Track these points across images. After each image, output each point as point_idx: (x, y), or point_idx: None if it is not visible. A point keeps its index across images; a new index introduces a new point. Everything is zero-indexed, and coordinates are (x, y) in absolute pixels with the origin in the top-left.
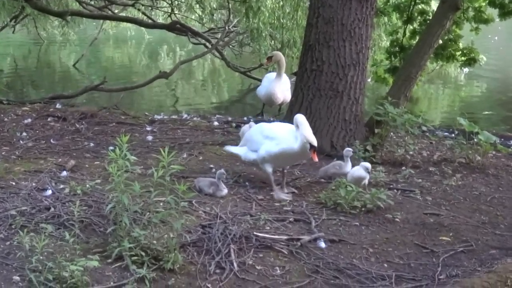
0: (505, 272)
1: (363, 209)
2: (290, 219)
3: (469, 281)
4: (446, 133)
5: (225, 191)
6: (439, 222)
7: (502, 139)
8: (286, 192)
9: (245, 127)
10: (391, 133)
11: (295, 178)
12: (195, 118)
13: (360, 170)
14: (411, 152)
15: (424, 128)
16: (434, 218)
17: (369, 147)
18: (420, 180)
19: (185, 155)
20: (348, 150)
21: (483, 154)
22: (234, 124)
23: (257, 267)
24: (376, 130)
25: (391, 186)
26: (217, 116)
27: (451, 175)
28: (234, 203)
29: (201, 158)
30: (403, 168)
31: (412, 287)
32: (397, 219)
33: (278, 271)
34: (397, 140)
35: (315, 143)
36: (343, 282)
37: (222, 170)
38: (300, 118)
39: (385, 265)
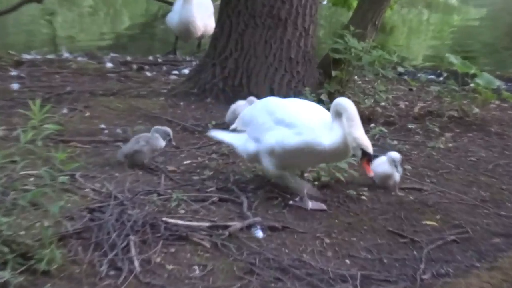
0: None
1: (316, 183)
2: (214, 199)
3: (464, 282)
4: (431, 76)
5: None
6: (421, 201)
7: (509, 84)
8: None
9: (239, 104)
10: (355, 77)
11: None
12: (80, 58)
13: (384, 165)
14: (383, 103)
15: (401, 70)
16: (414, 195)
17: (324, 97)
18: (395, 142)
19: (65, 110)
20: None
21: (482, 104)
22: (135, 67)
23: (167, 266)
24: (333, 73)
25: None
26: (112, 55)
27: (438, 134)
28: (135, 177)
29: (88, 114)
30: (372, 125)
31: None
32: (363, 197)
33: (197, 272)
34: (364, 87)
35: (370, 149)
36: (288, 285)
37: (166, 128)
38: (347, 104)
39: (347, 261)
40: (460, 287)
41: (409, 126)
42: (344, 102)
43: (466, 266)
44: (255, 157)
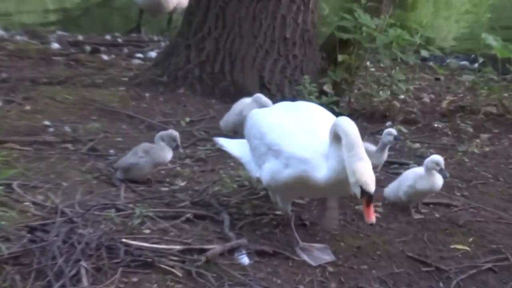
0: None
1: (315, 202)
2: (188, 216)
3: None
4: (463, 62)
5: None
6: (450, 219)
7: None
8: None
9: (245, 102)
10: (367, 63)
11: None
12: (18, 37)
13: (423, 180)
14: (402, 96)
15: (425, 54)
16: (441, 212)
17: (327, 87)
18: (417, 145)
19: (0, 103)
20: (389, 133)
21: None
22: (88, 48)
23: None
24: (339, 57)
25: None
26: (59, 33)
27: (472, 136)
28: (88, 188)
29: (28, 107)
30: (388, 123)
31: None
32: (376, 214)
33: None
34: (378, 75)
35: (371, 188)
36: None
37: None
38: (347, 127)
39: None
40: None
41: (435, 125)
42: (343, 124)
43: None
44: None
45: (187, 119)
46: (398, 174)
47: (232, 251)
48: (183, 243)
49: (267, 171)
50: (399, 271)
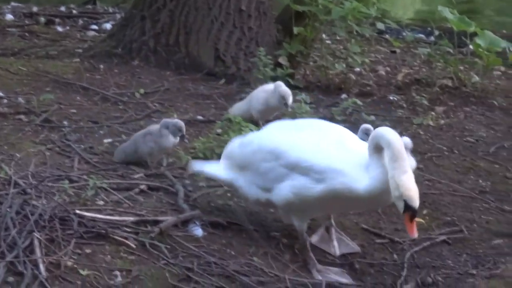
0: None
1: None
2: (142, 187)
3: None
4: (419, 35)
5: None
6: None
7: None
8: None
9: (266, 89)
10: (323, 35)
11: None
12: None
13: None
14: (357, 69)
15: (381, 26)
16: None
17: (282, 60)
18: (372, 117)
19: None
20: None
21: (483, 71)
22: (43, 19)
23: (81, 271)
24: (295, 30)
25: None
26: (13, 4)
27: (427, 108)
28: (41, 159)
29: None
30: (344, 96)
31: None
32: None
33: (119, 279)
34: (334, 48)
35: (416, 203)
36: None
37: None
38: (391, 137)
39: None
40: None
41: (391, 98)
42: (387, 134)
43: (459, 273)
44: (267, 207)
45: (142, 91)
46: None
47: (186, 222)
48: (137, 214)
49: (288, 189)
50: (354, 242)
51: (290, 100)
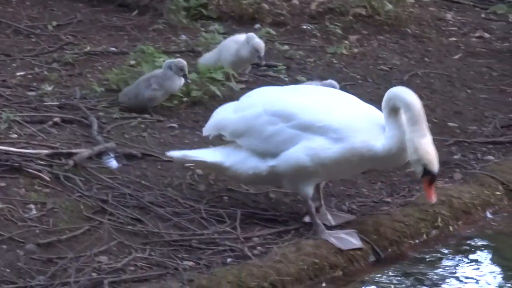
0: None
1: (184, 99)
2: (55, 120)
3: (371, 222)
4: None
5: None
6: None
7: None
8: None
9: (237, 39)
10: None
11: None
12: None
13: None
14: None
15: None
16: None
17: None
18: (286, 47)
19: None
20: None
21: (397, 0)
22: None
23: None
24: None
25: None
26: None
27: (341, 37)
28: None
29: None
30: (257, 26)
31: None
32: None
33: (34, 212)
34: None
35: (435, 167)
36: (150, 227)
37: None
38: (410, 98)
39: (225, 197)
40: (367, 228)
41: (304, 27)
42: (407, 96)
43: (374, 201)
44: (266, 178)
45: (54, 23)
46: (267, 76)
47: (100, 155)
48: (51, 147)
49: (302, 151)
50: None
51: (263, 53)
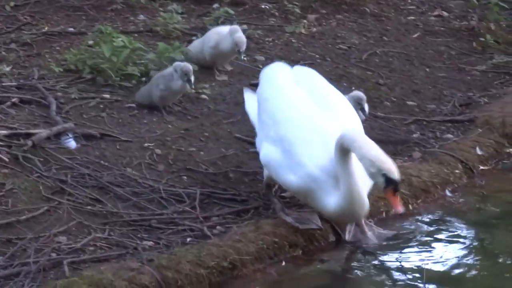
0: None
1: (143, 79)
2: (14, 100)
3: None
4: None
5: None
6: None
7: None
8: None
9: (220, 31)
10: None
11: None
12: None
13: None
14: None
15: None
16: None
17: None
18: (245, 27)
19: None
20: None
21: None
22: None
23: None
24: None
25: (193, 38)
26: None
27: (299, 16)
28: None
29: None
30: (216, 5)
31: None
32: (204, 96)
33: None
34: None
35: (395, 174)
36: (109, 207)
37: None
38: (354, 135)
39: (184, 177)
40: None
41: (263, 7)
42: (350, 133)
43: None
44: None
45: (12, 3)
46: None
47: (58, 135)
48: (9, 128)
49: (265, 152)
50: (228, 153)
51: (243, 47)
